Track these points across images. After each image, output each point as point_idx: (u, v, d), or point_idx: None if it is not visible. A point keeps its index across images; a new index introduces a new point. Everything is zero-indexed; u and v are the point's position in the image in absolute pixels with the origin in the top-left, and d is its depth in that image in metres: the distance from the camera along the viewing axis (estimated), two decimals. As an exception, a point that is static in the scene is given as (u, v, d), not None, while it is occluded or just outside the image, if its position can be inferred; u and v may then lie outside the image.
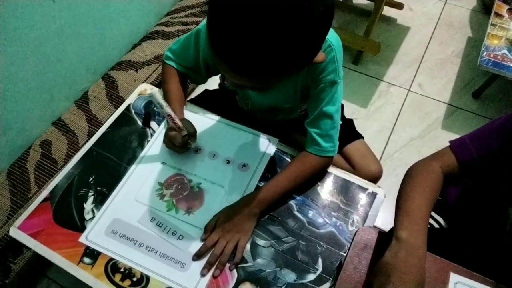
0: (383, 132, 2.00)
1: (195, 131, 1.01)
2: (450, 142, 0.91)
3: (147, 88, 1.20)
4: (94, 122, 1.64)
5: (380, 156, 1.91)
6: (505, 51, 1.74)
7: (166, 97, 1.09)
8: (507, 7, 1.98)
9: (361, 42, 2.21)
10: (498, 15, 1.93)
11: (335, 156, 1.04)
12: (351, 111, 2.05)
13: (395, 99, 2.14)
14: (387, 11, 2.57)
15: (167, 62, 1.12)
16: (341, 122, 1.36)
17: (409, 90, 2.19)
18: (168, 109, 0.93)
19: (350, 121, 1.42)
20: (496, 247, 0.97)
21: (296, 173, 0.98)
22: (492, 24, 1.88)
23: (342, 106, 1.45)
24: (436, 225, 1.22)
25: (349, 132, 1.39)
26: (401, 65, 2.31)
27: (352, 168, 1.31)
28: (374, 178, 1.32)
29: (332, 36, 0.93)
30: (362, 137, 1.39)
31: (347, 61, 2.27)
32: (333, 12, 0.69)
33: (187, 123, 1.00)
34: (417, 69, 2.30)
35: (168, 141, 1.01)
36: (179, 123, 0.96)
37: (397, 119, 2.05)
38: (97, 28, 1.72)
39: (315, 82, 0.96)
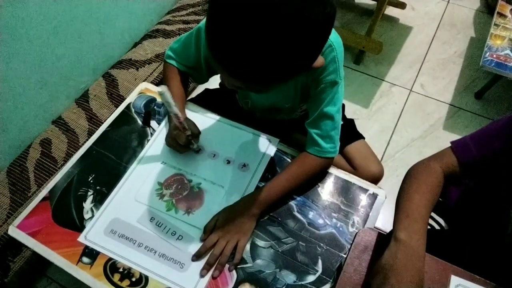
0: (384, 133, 1.99)
1: (199, 132, 1.01)
2: (452, 142, 0.90)
3: (148, 87, 1.20)
4: (94, 121, 1.63)
5: (381, 156, 1.90)
6: (508, 51, 1.73)
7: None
8: (510, 7, 1.96)
9: (363, 42, 2.20)
10: (501, 15, 1.92)
11: (336, 156, 1.04)
12: (352, 111, 2.04)
13: (397, 99, 2.14)
14: (390, 10, 2.56)
15: (168, 61, 1.12)
16: (342, 122, 1.36)
17: (411, 90, 2.19)
18: (175, 108, 0.93)
19: (351, 121, 1.42)
20: (497, 248, 0.97)
21: (296, 173, 0.97)
22: (495, 24, 1.87)
23: (343, 106, 1.45)
24: (437, 227, 1.22)
25: (350, 132, 1.39)
26: (403, 65, 2.30)
27: (353, 168, 1.31)
28: (375, 179, 1.31)
29: (333, 36, 0.92)
30: (363, 138, 1.39)
31: (348, 60, 2.27)
32: (333, 20, 0.69)
33: (191, 124, 1.00)
34: (419, 69, 2.29)
35: (171, 139, 1.00)
36: (184, 123, 0.96)
37: (398, 120, 2.05)
38: (98, 27, 1.72)
39: (315, 82, 0.96)
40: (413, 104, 2.12)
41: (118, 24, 1.85)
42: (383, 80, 2.22)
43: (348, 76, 2.16)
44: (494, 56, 1.72)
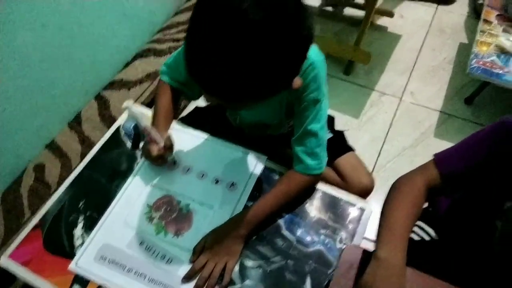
0: (375, 142, 1.99)
1: (171, 145, 1.04)
2: (435, 155, 0.91)
3: (127, 105, 1.20)
4: (87, 144, 1.64)
5: (373, 166, 1.91)
6: (494, 57, 1.74)
7: (154, 111, 1.12)
8: (496, 13, 1.98)
9: (351, 52, 2.22)
10: (487, 21, 1.94)
11: (326, 169, 1.05)
12: (343, 122, 2.04)
13: (387, 108, 2.15)
14: (378, 19, 2.58)
15: (162, 77, 1.14)
16: (331, 135, 1.37)
17: (401, 98, 2.20)
18: (143, 122, 0.95)
19: (341, 133, 1.43)
20: (485, 258, 0.98)
21: (283, 192, 0.98)
22: (481, 31, 1.88)
23: (333, 118, 1.46)
24: (427, 237, 1.22)
25: (340, 144, 1.40)
26: (393, 74, 2.32)
27: (343, 181, 1.31)
28: (366, 191, 1.32)
29: (314, 54, 0.93)
30: (353, 150, 1.40)
31: (338, 71, 2.28)
32: (310, 41, 0.70)
33: (165, 137, 1.03)
34: (409, 77, 2.30)
35: (144, 152, 1.04)
36: (154, 136, 0.99)
37: (389, 129, 2.05)
38: (89, 49, 1.73)
39: (298, 100, 0.97)
40: (403, 113, 2.13)
41: (109, 45, 1.87)
42: (373, 89, 2.23)
43: (338, 87, 2.17)
44: (481, 62, 1.73)
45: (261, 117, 1.15)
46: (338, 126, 1.44)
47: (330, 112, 1.44)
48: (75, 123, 1.73)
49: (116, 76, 1.93)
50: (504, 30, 1.86)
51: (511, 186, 0.84)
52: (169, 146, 1.03)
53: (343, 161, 1.34)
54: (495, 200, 0.91)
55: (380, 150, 1.96)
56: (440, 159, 0.89)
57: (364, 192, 1.33)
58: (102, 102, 1.79)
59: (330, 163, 1.34)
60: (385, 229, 0.81)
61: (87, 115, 1.75)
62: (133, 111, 0.95)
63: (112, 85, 1.88)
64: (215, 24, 0.63)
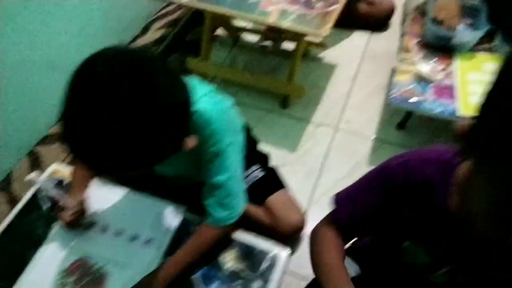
0: (311, 175, 2.00)
1: (83, 210, 1.06)
2: (333, 196, 0.94)
3: (59, 168, 1.21)
4: (15, 205, 1.61)
5: (309, 200, 1.91)
6: (413, 85, 1.79)
7: (73, 171, 1.13)
8: (416, 40, 2.05)
9: (285, 88, 2.26)
10: (407, 49, 2.00)
11: (255, 209, 1.05)
12: (280, 157, 2.00)
13: (323, 140, 2.17)
14: (314, 50, 2.64)
15: None
16: (263, 173, 1.39)
17: (336, 128, 2.24)
18: (52, 192, 0.97)
19: (273, 170, 1.45)
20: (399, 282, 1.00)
21: (195, 247, 1.00)
22: (401, 60, 1.94)
23: (266, 156, 1.48)
24: (352, 274, 1.24)
25: (271, 182, 1.42)
26: (329, 104, 2.36)
27: (274, 220, 1.33)
28: (296, 229, 1.34)
29: (212, 107, 0.95)
30: (285, 186, 1.42)
31: (275, 106, 2.30)
32: (186, 107, 0.74)
33: (76, 202, 1.04)
34: (345, 106, 2.35)
35: (59, 218, 1.06)
36: (64, 203, 1.02)
37: (325, 160, 2.08)
38: (18, 107, 1.71)
39: (202, 153, 0.99)
40: (339, 143, 2.16)
41: (40, 99, 1.85)
42: (309, 121, 2.26)
43: (275, 122, 2.21)
44: (400, 91, 1.76)
45: (175, 171, 1.17)
46: (275, 161, 1.46)
47: (266, 148, 1.47)
48: (5, 183, 1.70)
49: (50, 130, 1.91)
50: (423, 57, 1.93)
51: (404, 228, 0.87)
52: (81, 212, 1.03)
53: (274, 199, 1.37)
54: (394, 241, 0.94)
55: (316, 183, 1.97)
56: (335, 204, 0.92)
57: (295, 231, 1.35)
58: (34, 159, 1.77)
59: (261, 202, 1.36)
60: (326, 280, 0.83)
61: (17, 174, 1.72)
62: (37, 184, 0.96)
63: (46, 139, 1.86)
64: (88, 102, 0.66)
